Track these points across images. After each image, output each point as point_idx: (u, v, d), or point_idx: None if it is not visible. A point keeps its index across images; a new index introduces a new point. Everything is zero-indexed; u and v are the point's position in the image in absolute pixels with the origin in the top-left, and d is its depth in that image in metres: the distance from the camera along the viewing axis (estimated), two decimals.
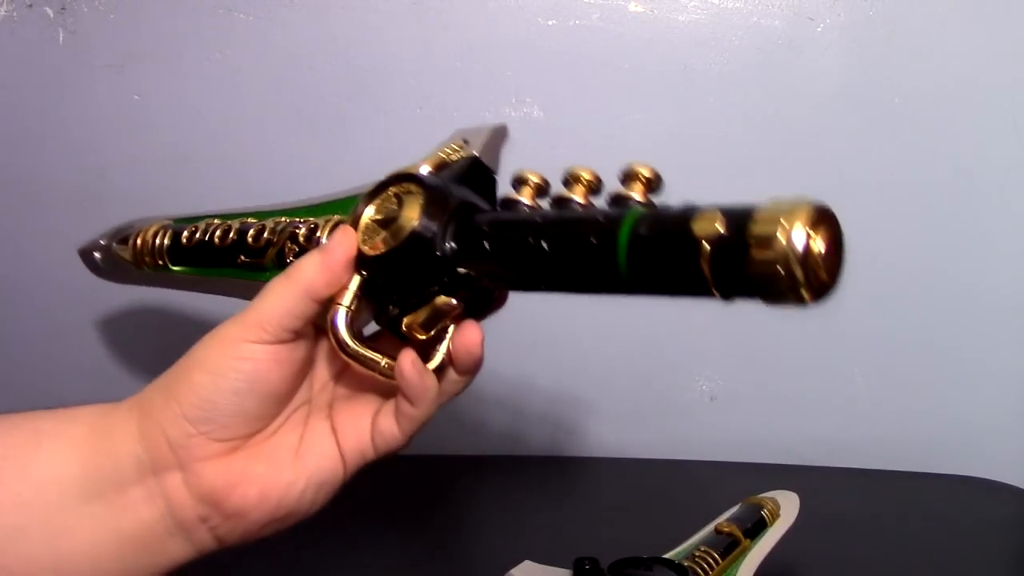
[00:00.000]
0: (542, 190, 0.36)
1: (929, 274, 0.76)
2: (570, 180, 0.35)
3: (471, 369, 0.36)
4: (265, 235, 0.41)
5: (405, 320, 0.36)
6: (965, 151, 0.73)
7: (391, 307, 0.36)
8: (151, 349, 0.79)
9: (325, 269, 0.35)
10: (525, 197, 0.36)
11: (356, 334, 0.36)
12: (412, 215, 0.35)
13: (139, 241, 0.46)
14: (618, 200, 0.33)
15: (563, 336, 0.78)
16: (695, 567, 0.49)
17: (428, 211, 0.35)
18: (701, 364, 0.79)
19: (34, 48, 0.75)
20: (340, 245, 0.35)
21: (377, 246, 0.35)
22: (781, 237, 0.26)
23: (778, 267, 0.26)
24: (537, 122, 0.74)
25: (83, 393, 0.82)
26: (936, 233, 0.75)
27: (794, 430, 0.79)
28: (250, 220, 0.43)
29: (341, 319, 0.35)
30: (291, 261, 0.39)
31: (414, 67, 0.74)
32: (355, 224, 0.37)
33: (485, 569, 0.54)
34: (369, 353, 0.35)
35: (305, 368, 0.37)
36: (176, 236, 0.45)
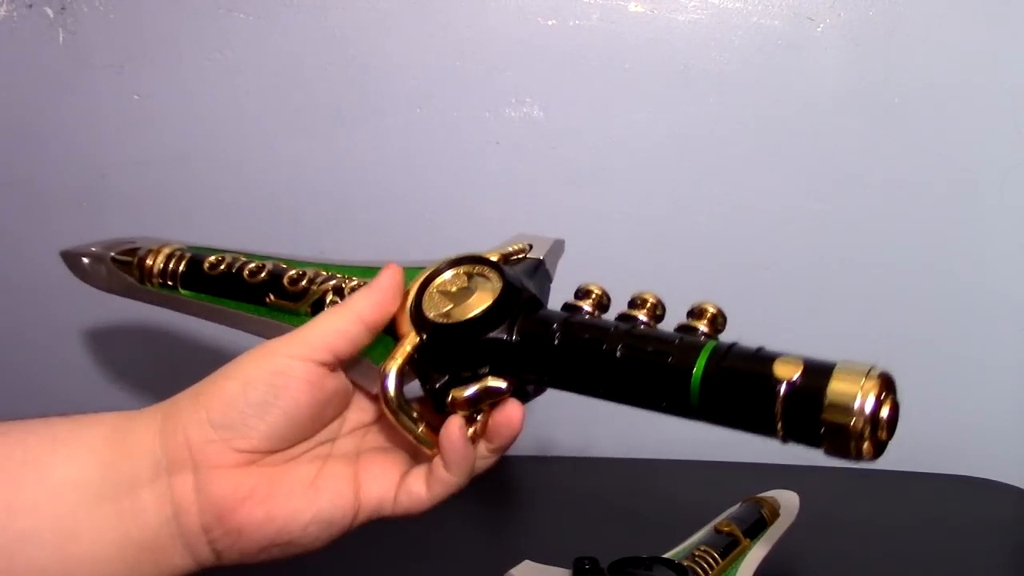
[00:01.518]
0: (603, 305, 0.37)
1: (929, 274, 0.76)
2: (636, 303, 0.36)
3: (505, 445, 0.37)
4: (304, 282, 0.42)
5: (452, 392, 0.36)
6: (965, 151, 0.73)
7: (437, 375, 0.37)
8: (150, 351, 0.79)
9: (374, 292, 0.36)
10: (587, 307, 0.37)
11: (401, 393, 0.36)
12: (486, 297, 0.36)
13: (149, 260, 0.47)
14: (686, 329, 0.34)
15: None
16: (695, 567, 0.49)
17: (502, 297, 0.36)
18: None
19: (34, 48, 0.75)
20: (387, 276, 0.37)
21: (446, 315, 0.36)
22: (859, 399, 0.28)
23: (850, 425, 0.29)
24: (537, 122, 0.74)
25: (82, 394, 0.82)
26: (936, 233, 0.75)
27: None
28: (282, 264, 0.43)
29: (392, 373, 0.36)
30: None
31: (414, 67, 0.74)
32: (426, 284, 0.38)
33: (485, 569, 0.54)
34: (411, 414, 0.36)
35: (333, 404, 0.37)
36: (195, 262, 0.45)
